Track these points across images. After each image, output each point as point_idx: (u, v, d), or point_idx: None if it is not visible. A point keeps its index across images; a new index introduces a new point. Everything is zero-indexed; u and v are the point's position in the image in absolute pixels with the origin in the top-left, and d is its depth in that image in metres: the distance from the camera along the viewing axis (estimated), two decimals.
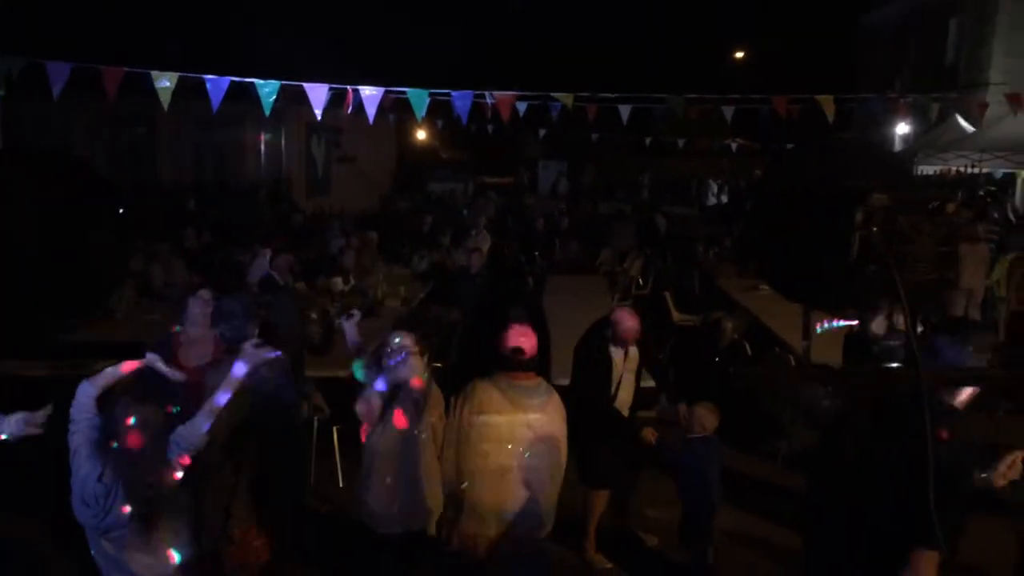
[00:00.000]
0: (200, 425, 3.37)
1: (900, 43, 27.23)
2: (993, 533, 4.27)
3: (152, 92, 7.04)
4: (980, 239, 10.94)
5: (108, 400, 3.31)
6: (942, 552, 2.35)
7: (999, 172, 18.29)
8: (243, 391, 3.60)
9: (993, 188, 19.00)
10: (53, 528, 4.66)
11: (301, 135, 20.83)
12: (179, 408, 3.49)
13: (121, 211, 3.46)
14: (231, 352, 3.92)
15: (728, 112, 11.25)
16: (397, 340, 3.91)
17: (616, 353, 5.18)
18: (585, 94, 10.62)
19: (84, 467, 3.16)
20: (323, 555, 5.18)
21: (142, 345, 4.33)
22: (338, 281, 9.36)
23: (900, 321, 5.08)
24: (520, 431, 3.92)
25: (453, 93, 8.18)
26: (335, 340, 6.86)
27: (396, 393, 3.86)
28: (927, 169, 19.80)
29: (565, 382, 6.46)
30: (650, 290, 12.32)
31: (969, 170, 17.87)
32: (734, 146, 23.50)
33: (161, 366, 3.66)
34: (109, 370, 3.37)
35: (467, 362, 8.45)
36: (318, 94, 7.35)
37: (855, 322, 5.27)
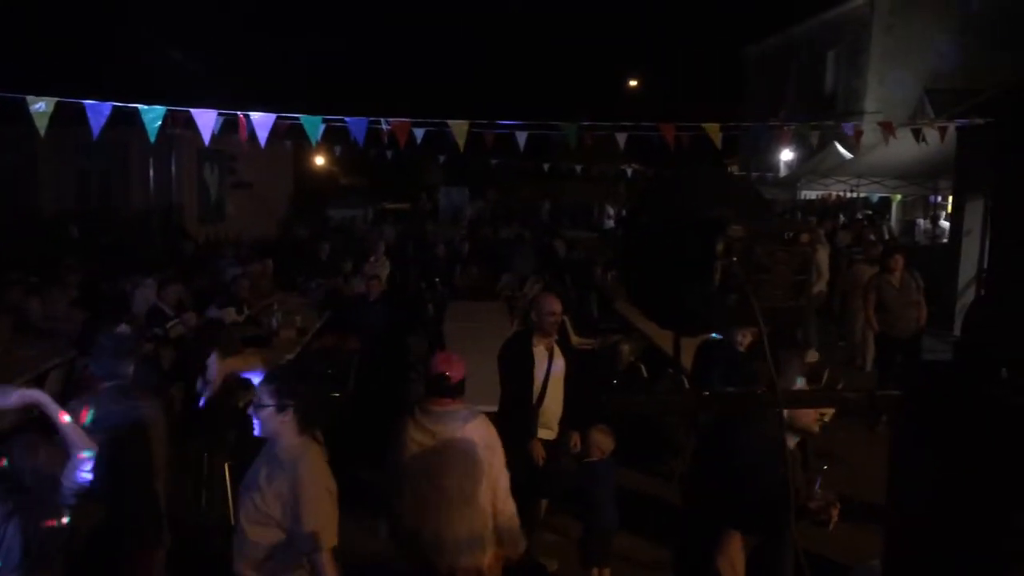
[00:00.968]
0: (76, 468, 3.22)
1: (782, 73, 28.53)
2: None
3: (30, 118, 6.73)
4: (876, 260, 11.50)
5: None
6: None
7: (875, 196, 19.32)
8: (108, 431, 3.48)
9: (870, 212, 20.06)
10: None
11: (192, 161, 20.28)
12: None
13: None
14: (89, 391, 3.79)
15: (622, 139, 11.52)
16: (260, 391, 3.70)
17: (539, 352, 5.17)
18: (483, 121, 10.70)
19: None
20: None
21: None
22: (231, 311, 9.11)
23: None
24: (430, 458, 3.91)
25: (347, 119, 8.10)
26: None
27: None
28: (809, 194, 20.79)
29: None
30: None
31: (848, 195, 18.81)
32: (629, 172, 24.11)
33: (48, 406, 3.46)
34: None
35: (365, 391, 8.35)
36: (206, 119, 7.16)
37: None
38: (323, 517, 3.26)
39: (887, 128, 11.57)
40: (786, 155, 25.73)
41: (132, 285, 9.39)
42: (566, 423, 5.32)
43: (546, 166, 21.66)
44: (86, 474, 3.23)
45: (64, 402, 3.76)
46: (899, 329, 8.66)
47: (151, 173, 19.74)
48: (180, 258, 14.08)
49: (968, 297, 12.10)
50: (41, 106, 6.39)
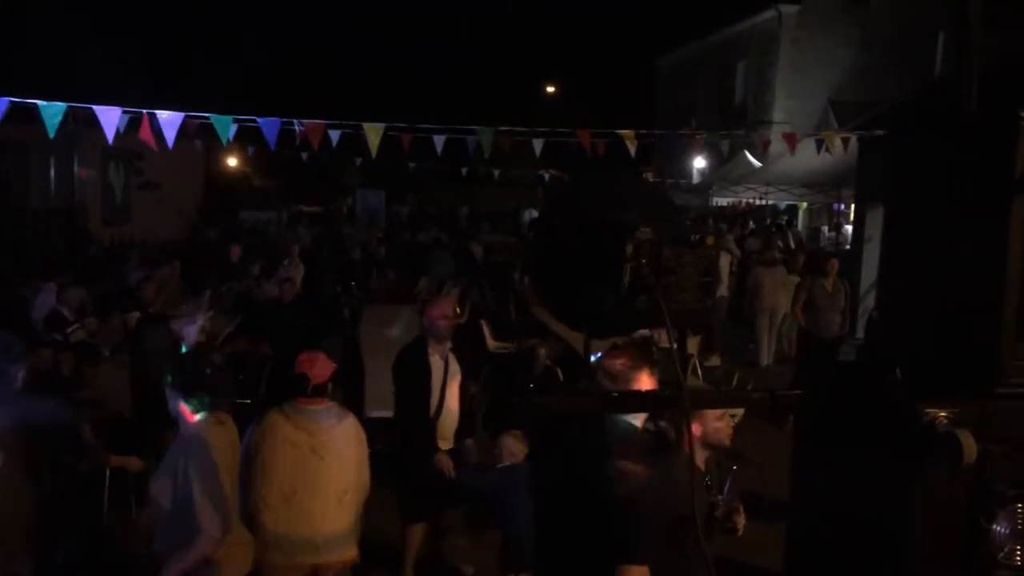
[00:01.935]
0: None
1: (695, 83, 29.27)
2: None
3: None
4: (776, 262, 11.98)
5: None
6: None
7: (783, 204, 19.98)
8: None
9: (784, 217, 20.74)
10: None
11: (96, 160, 19.53)
12: None
13: None
14: None
15: (538, 145, 11.61)
16: None
17: (435, 362, 5.14)
18: (400, 124, 10.65)
19: None
20: None
21: None
22: (136, 315, 8.80)
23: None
24: (305, 456, 3.90)
25: (259, 120, 7.94)
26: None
27: None
28: (721, 201, 21.36)
29: (380, 413, 6.40)
30: (467, 318, 12.43)
31: (758, 202, 19.39)
32: (547, 176, 24.29)
33: None
34: None
35: (277, 397, 8.17)
36: (110, 117, 6.92)
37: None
38: (210, 497, 3.29)
39: (790, 140, 11.99)
40: (699, 162, 26.39)
41: (32, 289, 8.98)
42: (462, 432, 5.32)
43: (464, 170, 21.67)
44: None
45: None
46: (822, 330, 8.99)
47: (52, 173, 18.94)
48: (83, 261, 13.56)
49: (870, 302, 12.59)
50: None
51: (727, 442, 3.06)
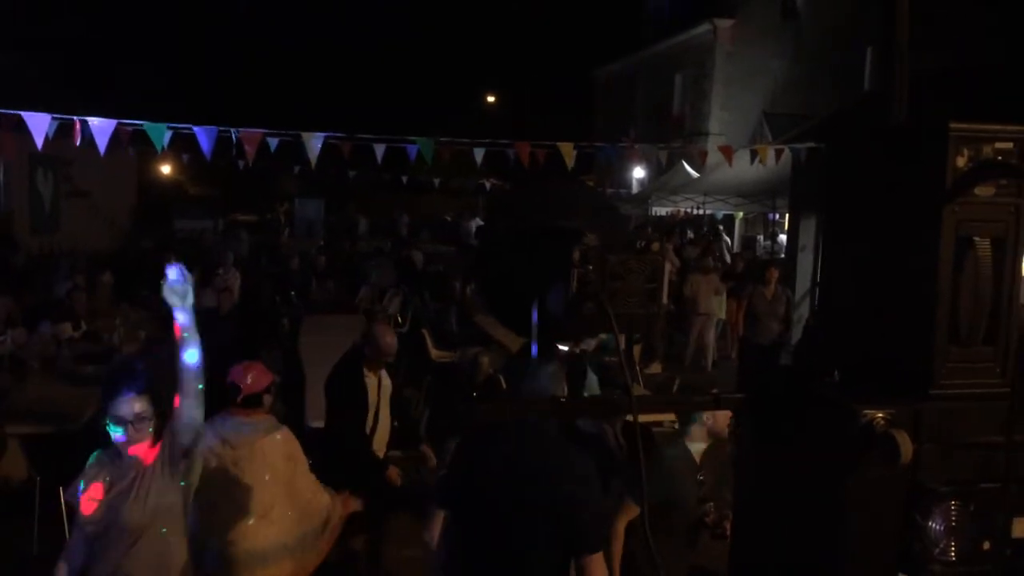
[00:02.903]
0: None
1: (633, 93, 29.64)
2: None
3: None
4: (711, 270, 12.24)
5: None
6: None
7: (720, 213, 20.34)
8: None
9: (721, 227, 21.11)
10: None
11: (23, 167, 18.89)
12: None
13: None
14: None
15: (479, 154, 11.62)
16: None
17: (370, 381, 5.08)
18: (339, 134, 10.55)
19: None
20: None
21: None
22: (67, 327, 8.54)
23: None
24: (225, 469, 3.84)
25: (195, 128, 7.79)
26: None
27: None
28: (660, 210, 21.64)
29: (319, 424, 6.31)
30: (408, 327, 12.36)
31: (695, 211, 19.70)
32: (488, 185, 24.33)
33: None
34: None
35: (217, 408, 8.01)
36: (39, 123, 6.71)
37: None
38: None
39: (726, 152, 12.24)
40: (638, 173, 26.71)
41: None
42: (404, 441, 5.32)
43: (404, 179, 21.57)
44: None
45: None
46: (762, 337, 9.17)
47: None
48: (9, 270, 13.10)
49: (804, 309, 12.89)
50: None
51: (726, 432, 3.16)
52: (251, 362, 4.13)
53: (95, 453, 3.23)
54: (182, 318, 2.86)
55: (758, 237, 21.22)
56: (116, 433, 3.11)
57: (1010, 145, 1.43)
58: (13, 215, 18.64)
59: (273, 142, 10.06)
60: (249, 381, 3.96)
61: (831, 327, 1.65)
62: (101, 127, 7.05)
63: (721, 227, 21.12)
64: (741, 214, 20.59)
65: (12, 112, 6.86)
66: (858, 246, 1.57)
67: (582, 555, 2.39)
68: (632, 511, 3.24)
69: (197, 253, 16.97)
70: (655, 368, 10.74)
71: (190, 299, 2.81)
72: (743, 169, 15.24)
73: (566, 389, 2.79)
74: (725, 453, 4.34)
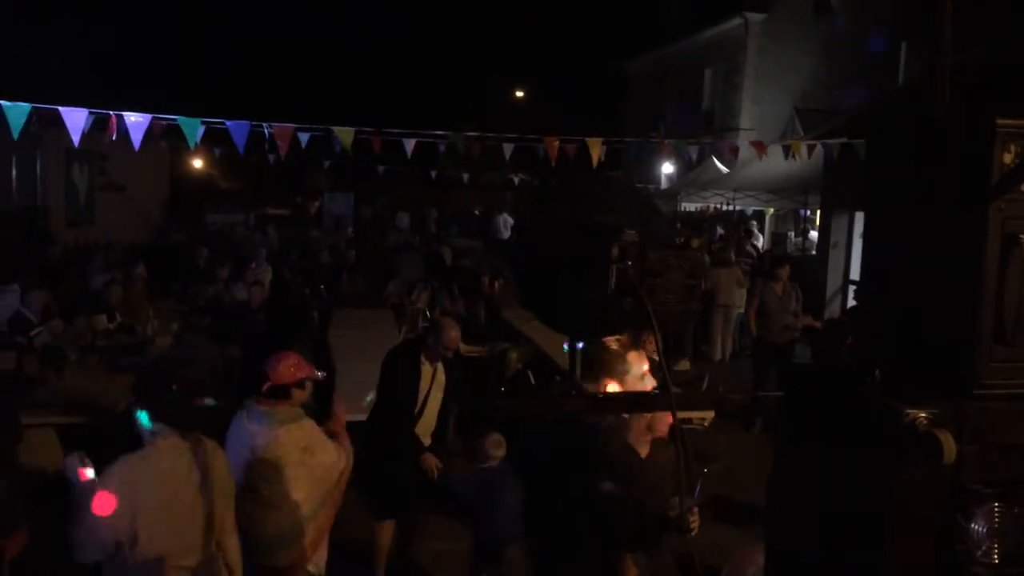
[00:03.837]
0: None
1: (662, 88, 29.45)
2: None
3: None
4: (732, 263, 12.17)
5: None
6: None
7: (750, 209, 20.18)
8: None
9: (752, 223, 20.93)
10: None
11: (60, 161, 19.19)
12: None
13: None
14: None
15: (508, 149, 11.63)
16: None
17: (426, 369, 5.16)
18: (369, 128, 10.61)
19: None
20: None
21: None
22: (102, 318, 8.68)
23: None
24: (244, 457, 3.92)
25: (228, 122, 7.86)
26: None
27: None
28: (689, 206, 21.54)
29: (349, 417, 6.36)
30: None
31: (725, 207, 19.56)
32: (516, 181, 24.32)
33: None
34: None
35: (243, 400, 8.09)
36: (76, 119, 6.80)
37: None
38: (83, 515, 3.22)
39: (758, 147, 12.13)
40: (667, 168, 26.56)
41: None
42: (438, 435, 5.36)
43: (433, 173, 21.63)
44: None
45: None
46: (774, 334, 9.09)
47: (14, 173, 18.56)
48: (46, 263, 13.32)
49: (835, 306, 12.78)
50: None
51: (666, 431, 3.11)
52: (288, 354, 4.14)
53: None
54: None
55: (789, 233, 21.03)
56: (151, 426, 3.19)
57: None
58: (50, 209, 18.94)
59: (304, 137, 10.13)
60: (278, 372, 3.97)
61: (871, 325, 1.63)
62: (136, 122, 7.14)
63: (754, 223, 20.95)
64: (772, 210, 20.41)
65: (50, 107, 6.96)
66: (899, 243, 1.55)
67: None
68: None
69: (228, 247, 17.15)
70: (684, 365, 10.70)
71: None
72: (774, 164, 15.12)
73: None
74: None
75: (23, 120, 6.73)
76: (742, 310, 11.98)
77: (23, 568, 4.39)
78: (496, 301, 12.86)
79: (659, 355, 1.46)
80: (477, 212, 31.52)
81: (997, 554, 1.42)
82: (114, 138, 7.25)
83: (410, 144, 10.81)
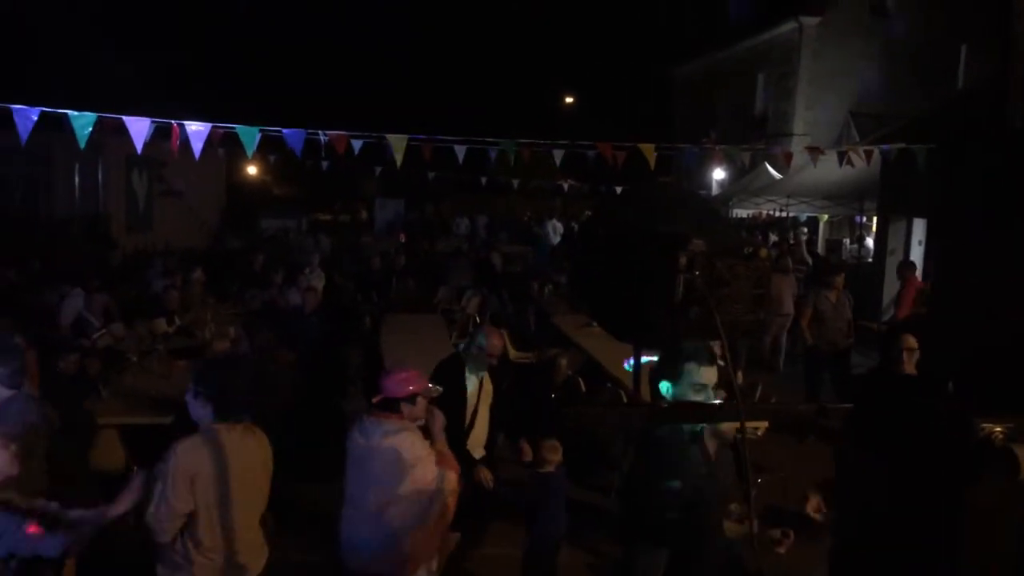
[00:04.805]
0: None
1: (713, 93, 29.16)
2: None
3: None
4: (789, 270, 12.00)
5: None
6: None
7: (803, 216, 19.87)
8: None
9: (804, 229, 20.62)
10: None
11: (120, 168, 19.72)
12: None
13: None
14: None
15: (558, 155, 11.62)
16: None
17: (471, 381, 5.17)
18: (421, 136, 10.69)
19: None
20: None
21: None
22: (161, 322, 8.88)
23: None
24: (355, 466, 4.06)
25: (284, 131, 7.99)
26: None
27: None
28: (740, 212, 21.28)
29: None
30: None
31: (778, 213, 19.30)
32: (565, 187, 24.30)
33: None
34: None
35: (301, 404, 8.21)
36: (139, 127, 6.98)
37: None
38: (160, 499, 3.38)
39: (813, 153, 11.94)
40: (718, 174, 26.29)
41: (59, 295, 9.08)
42: (491, 444, 5.37)
43: (483, 180, 21.69)
44: None
45: None
46: (828, 343, 8.93)
47: (76, 180, 19.13)
48: (107, 268, 13.69)
49: (892, 315, 12.51)
50: None
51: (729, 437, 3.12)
52: (402, 369, 4.23)
53: None
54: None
55: (844, 240, 20.67)
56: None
57: None
58: (111, 215, 19.46)
59: (356, 144, 10.24)
60: (388, 385, 4.07)
61: (945, 337, 1.60)
62: (196, 131, 7.30)
63: (805, 229, 20.61)
64: (826, 216, 20.08)
65: (114, 116, 7.14)
66: (977, 256, 1.52)
67: None
68: None
69: (282, 252, 17.43)
70: (737, 374, 10.59)
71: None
72: (828, 170, 14.86)
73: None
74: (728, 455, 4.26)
75: (88, 130, 6.91)
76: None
77: (90, 560, 4.52)
78: (545, 307, 12.87)
79: (727, 365, 1.45)
80: (527, 218, 31.55)
81: None
82: (176, 147, 7.40)
83: (461, 151, 10.86)
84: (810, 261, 15.69)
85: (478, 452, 5.25)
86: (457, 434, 5.09)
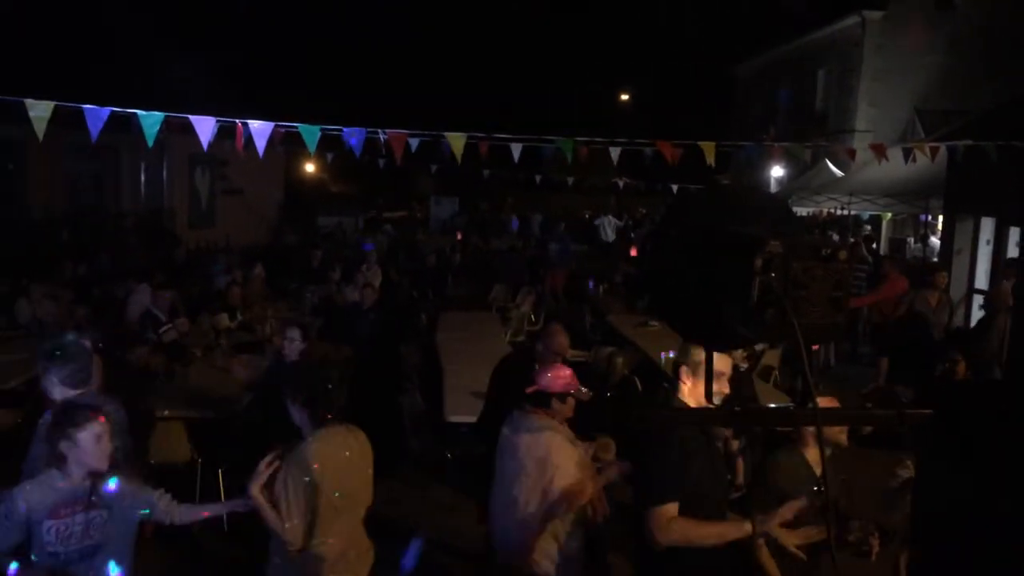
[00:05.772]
0: None
1: (773, 90, 28.70)
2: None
3: (23, 120, 6.65)
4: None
5: None
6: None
7: (866, 214, 19.44)
8: None
9: (867, 227, 20.16)
10: None
11: (184, 165, 20.20)
12: None
13: None
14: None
15: (615, 153, 11.55)
16: None
17: None
18: (479, 134, 10.71)
19: None
20: None
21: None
22: (224, 317, 9.07)
23: None
24: (498, 459, 4.19)
25: (344, 129, 8.07)
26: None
27: None
28: (801, 210, 20.86)
29: (459, 419, 6.45)
30: (541, 326, 12.44)
31: (839, 211, 18.91)
32: (621, 184, 24.14)
33: None
34: None
35: (359, 400, 8.30)
36: (205, 127, 7.12)
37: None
38: (287, 506, 3.48)
39: (878, 151, 11.66)
40: (777, 172, 25.87)
41: (126, 290, 9.33)
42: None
43: (538, 178, 21.67)
44: None
45: None
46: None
47: (142, 177, 19.66)
48: (171, 263, 14.02)
49: (959, 316, 12.17)
50: (40, 110, 6.32)
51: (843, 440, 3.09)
52: (562, 366, 4.25)
53: None
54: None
55: (908, 239, 20.15)
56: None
57: None
58: (175, 211, 19.94)
59: (414, 142, 10.30)
60: (543, 379, 4.09)
61: None
62: (260, 129, 7.41)
63: (868, 227, 20.14)
64: (889, 215, 19.60)
65: (180, 116, 7.29)
66: None
67: None
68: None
69: (339, 248, 17.66)
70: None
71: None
72: (892, 168, 14.48)
73: None
74: (843, 461, 4.17)
75: (156, 129, 7.07)
76: None
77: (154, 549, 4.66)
78: (601, 305, 12.82)
79: (806, 369, 1.42)
80: (587, 215, 31.41)
81: None
82: (241, 146, 7.53)
83: (517, 149, 10.86)
84: (870, 260, 15.33)
85: None
86: None
